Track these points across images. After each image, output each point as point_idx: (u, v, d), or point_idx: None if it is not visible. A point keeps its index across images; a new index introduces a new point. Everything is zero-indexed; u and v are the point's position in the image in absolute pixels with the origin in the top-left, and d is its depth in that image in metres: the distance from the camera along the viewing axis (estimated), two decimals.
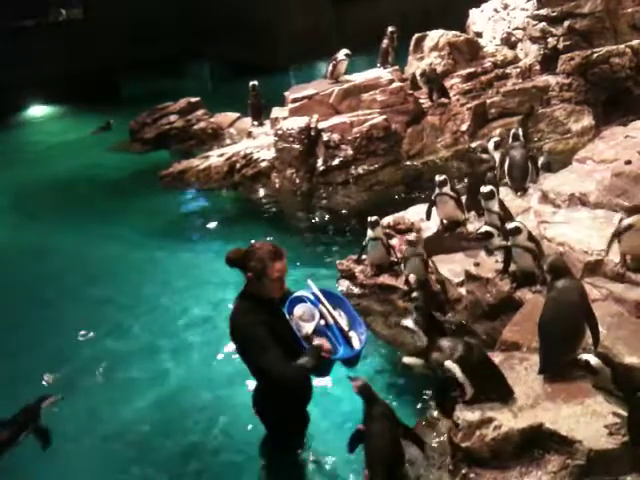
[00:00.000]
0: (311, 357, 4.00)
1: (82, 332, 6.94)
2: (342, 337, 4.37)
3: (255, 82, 11.35)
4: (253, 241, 4.44)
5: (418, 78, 10.07)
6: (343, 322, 4.43)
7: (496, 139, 7.48)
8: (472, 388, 3.90)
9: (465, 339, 4.12)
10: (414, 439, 4.16)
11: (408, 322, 5.25)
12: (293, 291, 4.46)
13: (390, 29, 10.68)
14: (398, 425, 4.10)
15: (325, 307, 4.46)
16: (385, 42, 10.67)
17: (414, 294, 5.53)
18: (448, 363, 3.92)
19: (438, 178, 6.41)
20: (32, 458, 5.23)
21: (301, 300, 4.41)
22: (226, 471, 5.03)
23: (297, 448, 4.64)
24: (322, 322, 4.37)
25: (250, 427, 4.97)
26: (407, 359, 4.28)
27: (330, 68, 10.42)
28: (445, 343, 4.04)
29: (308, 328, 4.25)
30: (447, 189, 6.35)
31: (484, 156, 7.79)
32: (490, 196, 5.81)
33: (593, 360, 3.51)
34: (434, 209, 6.53)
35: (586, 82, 9.45)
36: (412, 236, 6.04)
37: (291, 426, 4.50)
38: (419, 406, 5.12)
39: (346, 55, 10.25)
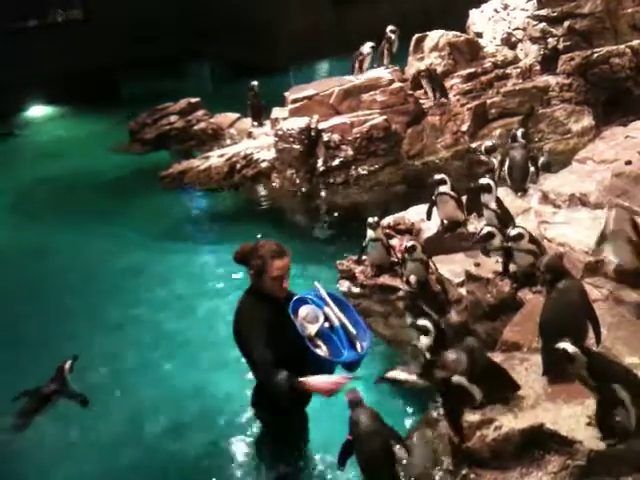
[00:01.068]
0: (292, 386, 3.93)
1: (82, 332, 6.95)
2: (347, 340, 4.38)
3: (255, 82, 11.34)
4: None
5: (423, 74, 10.03)
6: (345, 321, 4.44)
7: (488, 143, 7.47)
8: (480, 392, 3.89)
9: (466, 342, 4.10)
10: (398, 439, 4.12)
11: (422, 343, 5.08)
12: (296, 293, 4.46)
13: (389, 28, 10.56)
14: (386, 427, 4.08)
15: (332, 309, 4.47)
16: (382, 43, 10.63)
17: (400, 293, 5.51)
18: (456, 378, 3.89)
19: (436, 177, 6.37)
20: (34, 459, 5.27)
21: (306, 301, 4.41)
22: (224, 471, 5.03)
23: (294, 448, 4.63)
24: (326, 325, 4.37)
25: (250, 427, 4.99)
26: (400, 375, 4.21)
27: (356, 64, 10.37)
28: (448, 357, 3.99)
29: (311, 330, 4.26)
30: (446, 188, 6.28)
31: (483, 158, 7.79)
32: (487, 189, 5.80)
33: (570, 348, 3.54)
34: (435, 209, 6.49)
35: (586, 82, 9.47)
36: (410, 242, 5.99)
37: (289, 426, 4.50)
38: (419, 406, 5.13)
39: (371, 48, 10.21)
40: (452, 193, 6.29)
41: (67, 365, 5.28)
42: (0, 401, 5.45)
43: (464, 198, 6.45)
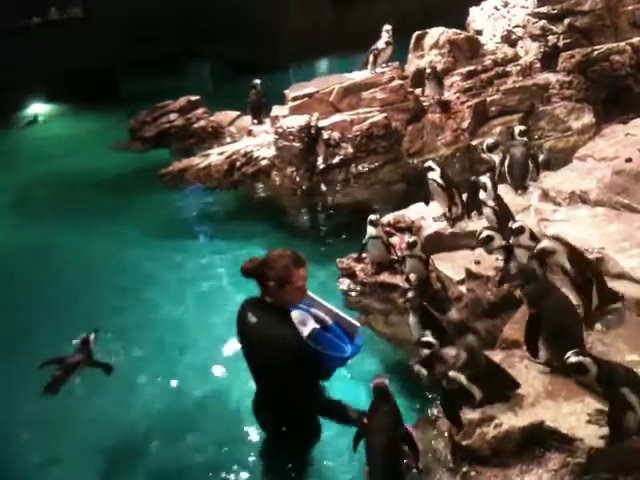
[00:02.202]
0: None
1: (82, 330, 6.93)
2: (345, 335, 4.40)
3: (258, 81, 11.33)
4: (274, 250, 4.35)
5: (430, 75, 9.98)
6: (348, 317, 4.48)
7: (490, 141, 7.46)
8: (480, 392, 3.89)
9: (467, 340, 4.10)
10: (409, 443, 4.13)
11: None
12: None
13: (384, 28, 10.39)
14: (400, 425, 4.09)
15: (323, 308, 4.47)
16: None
17: (409, 294, 5.52)
18: (452, 374, 3.90)
19: (425, 164, 6.39)
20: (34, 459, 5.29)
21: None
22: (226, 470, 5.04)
23: (301, 450, 4.64)
24: (317, 326, 4.37)
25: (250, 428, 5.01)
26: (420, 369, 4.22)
27: (371, 58, 10.31)
28: (447, 352, 4.00)
29: (304, 333, 4.28)
30: (434, 175, 6.25)
31: (484, 156, 7.79)
32: (484, 187, 5.80)
33: (585, 360, 3.56)
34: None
35: (586, 80, 9.45)
36: (411, 238, 6.01)
37: (303, 435, 4.52)
38: (419, 404, 5.13)
39: (386, 43, 10.18)
40: (439, 180, 6.27)
41: (92, 337, 5.51)
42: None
43: (464, 195, 6.45)
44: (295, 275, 4.09)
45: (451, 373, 3.88)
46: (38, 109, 16.93)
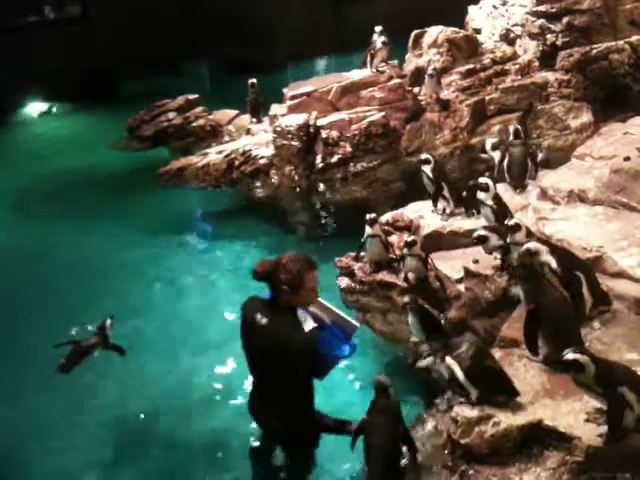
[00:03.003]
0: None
1: (81, 330, 6.95)
2: (341, 333, 4.41)
3: (254, 80, 11.32)
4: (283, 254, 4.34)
5: (432, 74, 9.95)
6: (347, 317, 4.49)
7: (493, 140, 7.47)
8: (476, 389, 3.88)
9: (467, 339, 4.11)
10: (407, 442, 4.14)
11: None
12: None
13: (376, 29, 10.33)
14: (399, 422, 4.09)
15: (323, 307, 4.48)
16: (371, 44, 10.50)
17: (406, 298, 5.52)
18: (449, 360, 3.91)
19: (421, 156, 6.68)
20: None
21: None
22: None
23: (301, 448, 4.64)
24: (315, 325, 4.38)
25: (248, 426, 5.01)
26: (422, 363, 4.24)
27: (368, 58, 10.28)
28: (455, 341, 4.02)
29: None
30: (427, 168, 6.52)
31: (483, 155, 7.80)
32: (484, 188, 5.82)
33: (582, 358, 3.56)
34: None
35: (585, 78, 9.44)
36: (411, 237, 6.02)
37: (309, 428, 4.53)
38: (418, 402, 5.14)
39: (383, 43, 10.15)
40: (429, 173, 6.47)
41: (108, 322, 5.52)
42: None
43: (464, 193, 6.48)
44: (308, 278, 4.13)
45: (448, 359, 3.90)
46: (37, 108, 16.90)
